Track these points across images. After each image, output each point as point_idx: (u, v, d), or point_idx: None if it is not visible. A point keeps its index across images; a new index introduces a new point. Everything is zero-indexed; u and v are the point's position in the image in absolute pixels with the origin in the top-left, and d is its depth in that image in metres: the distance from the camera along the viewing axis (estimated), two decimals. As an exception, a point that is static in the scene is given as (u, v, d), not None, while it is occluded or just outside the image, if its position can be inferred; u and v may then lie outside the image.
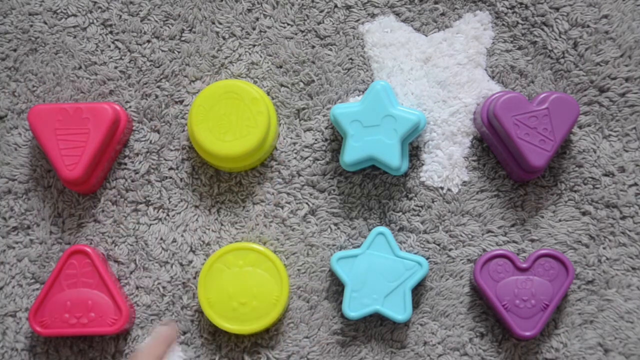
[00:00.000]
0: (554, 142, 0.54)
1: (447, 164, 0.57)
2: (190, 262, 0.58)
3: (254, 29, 0.59)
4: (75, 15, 0.59)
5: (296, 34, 0.58)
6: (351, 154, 0.55)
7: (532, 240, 0.57)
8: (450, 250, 0.57)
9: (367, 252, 0.56)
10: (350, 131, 0.54)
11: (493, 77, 0.58)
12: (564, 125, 0.54)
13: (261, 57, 0.59)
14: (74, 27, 0.59)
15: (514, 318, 0.54)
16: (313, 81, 0.58)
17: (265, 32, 0.59)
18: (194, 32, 0.59)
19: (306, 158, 0.58)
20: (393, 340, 0.57)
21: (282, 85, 0.58)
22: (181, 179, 0.59)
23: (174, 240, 0.58)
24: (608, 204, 0.57)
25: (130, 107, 0.59)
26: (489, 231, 0.57)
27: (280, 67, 0.58)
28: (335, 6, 0.58)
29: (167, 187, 0.58)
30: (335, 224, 0.58)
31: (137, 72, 0.59)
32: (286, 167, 0.58)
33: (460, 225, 0.57)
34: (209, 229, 0.58)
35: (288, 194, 0.58)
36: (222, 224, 0.58)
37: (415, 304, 0.57)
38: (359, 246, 0.57)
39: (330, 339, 0.57)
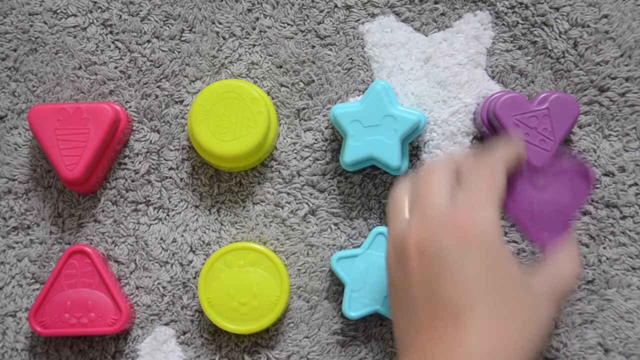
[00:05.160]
0: (554, 142, 0.54)
1: (447, 164, 0.57)
2: (190, 262, 0.58)
3: (254, 29, 0.59)
4: (75, 15, 0.59)
5: (296, 34, 0.58)
6: (351, 154, 0.55)
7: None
8: (450, 250, 0.57)
9: (367, 252, 0.56)
10: (350, 131, 0.54)
11: (493, 77, 0.58)
12: (564, 125, 0.54)
13: (261, 57, 0.59)
14: (74, 27, 0.59)
15: (532, 226, 0.51)
16: (313, 81, 0.58)
17: (265, 32, 0.59)
18: (194, 32, 0.59)
19: (306, 158, 0.58)
20: (393, 340, 0.57)
21: (282, 85, 0.58)
22: (181, 179, 0.59)
23: (174, 240, 0.58)
24: (608, 204, 0.57)
25: (130, 107, 0.59)
26: (489, 231, 0.57)
27: (280, 67, 0.59)
28: (335, 6, 0.58)
29: (167, 187, 0.58)
30: (335, 224, 0.58)
31: (137, 72, 0.59)
32: (286, 167, 0.58)
33: (460, 225, 0.57)
34: (209, 229, 0.58)
35: (288, 194, 0.58)
36: (222, 224, 0.58)
37: (415, 304, 0.57)
38: (359, 246, 0.57)
39: (330, 339, 0.57)
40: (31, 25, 0.59)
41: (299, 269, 0.58)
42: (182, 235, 0.58)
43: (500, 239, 0.44)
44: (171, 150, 0.59)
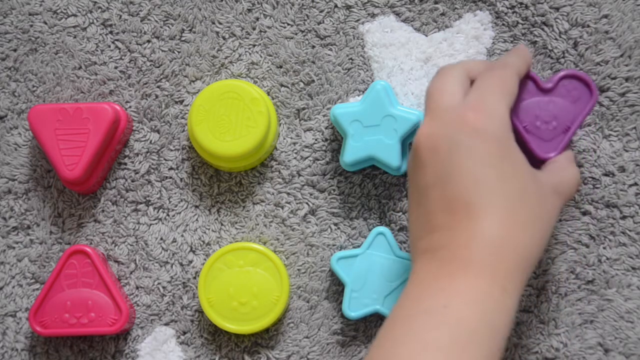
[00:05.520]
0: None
1: (447, 164, 0.57)
2: (190, 262, 0.58)
3: (254, 29, 0.59)
4: (75, 15, 0.59)
5: (296, 34, 0.58)
6: (351, 154, 0.55)
7: (532, 240, 0.57)
8: (450, 250, 0.57)
9: (367, 252, 0.56)
10: (350, 131, 0.54)
11: (493, 77, 0.58)
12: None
13: (261, 57, 0.59)
14: (74, 27, 0.59)
15: (535, 140, 0.52)
16: (313, 81, 0.58)
17: (265, 32, 0.59)
18: (194, 32, 0.59)
19: (306, 158, 0.58)
20: (393, 340, 0.57)
21: (282, 85, 0.58)
22: (181, 179, 0.59)
23: (174, 240, 0.58)
24: (608, 204, 0.57)
25: (130, 107, 0.59)
26: (489, 231, 0.57)
27: (280, 67, 0.58)
28: (335, 6, 0.58)
29: (167, 187, 0.58)
30: (335, 224, 0.58)
31: (137, 72, 0.59)
32: (286, 167, 0.58)
33: (460, 225, 0.57)
34: (209, 229, 0.58)
35: (288, 194, 0.58)
36: (222, 224, 0.58)
37: (415, 304, 0.57)
38: (359, 246, 0.57)
39: (330, 339, 0.57)
40: (31, 25, 0.59)
41: (299, 269, 0.58)
42: (182, 235, 0.58)
43: (510, 135, 0.45)
44: (171, 150, 0.59)
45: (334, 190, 0.58)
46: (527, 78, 0.52)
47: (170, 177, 0.59)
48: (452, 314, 0.41)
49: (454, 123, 0.44)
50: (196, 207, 0.58)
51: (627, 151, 0.57)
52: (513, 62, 0.49)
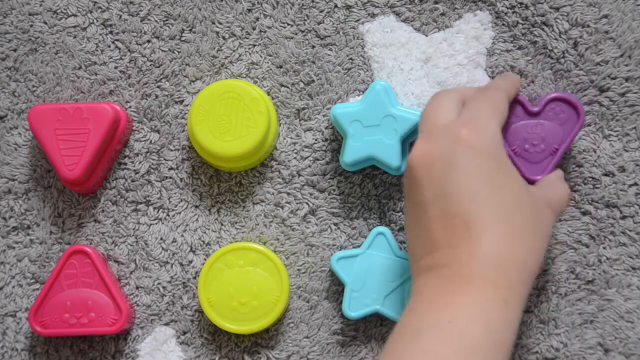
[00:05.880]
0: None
1: (447, 164, 0.57)
2: (190, 262, 0.58)
3: (254, 29, 0.59)
4: (75, 15, 0.59)
5: (296, 34, 0.58)
6: (351, 154, 0.55)
7: (532, 240, 0.57)
8: (450, 250, 0.57)
9: (367, 252, 0.56)
10: (350, 131, 0.54)
11: (493, 78, 0.58)
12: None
13: (261, 57, 0.59)
14: (74, 27, 0.59)
15: (524, 163, 0.53)
16: (313, 81, 0.58)
17: (265, 32, 0.59)
18: (194, 32, 0.59)
19: (306, 158, 0.58)
20: (393, 340, 0.57)
21: (282, 85, 0.58)
22: (181, 179, 0.59)
23: (174, 240, 0.58)
24: (608, 204, 0.57)
25: (130, 107, 0.59)
26: (489, 231, 0.57)
27: (280, 67, 0.58)
28: (335, 6, 0.58)
29: (167, 187, 0.58)
30: (335, 224, 0.58)
31: (137, 72, 0.59)
32: (286, 167, 0.58)
33: (460, 225, 0.57)
34: (209, 229, 0.58)
35: (288, 194, 0.58)
36: (222, 224, 0.58)
37: (415, 304, 0.57)
38: (359, 246, 0.57)
39: (330, 339, 0.57)
40: (31, 25, 0.59)
41: (299, 269, 0.58)
42: (182, 235, 0.58)
43: (502, 149, 0.47)
44: (171, 150, 0.59)
45: (334, 190, 0.58)
46: (515, 102, 0.53)
47: (170, 177, 0.59)
48: (457, 329, 0.42)
49: (447, 140, 0.46)
50: (196, 207, 0.58)
51: (627, 151, 0.57)
52: (503, 84, 0.51)
